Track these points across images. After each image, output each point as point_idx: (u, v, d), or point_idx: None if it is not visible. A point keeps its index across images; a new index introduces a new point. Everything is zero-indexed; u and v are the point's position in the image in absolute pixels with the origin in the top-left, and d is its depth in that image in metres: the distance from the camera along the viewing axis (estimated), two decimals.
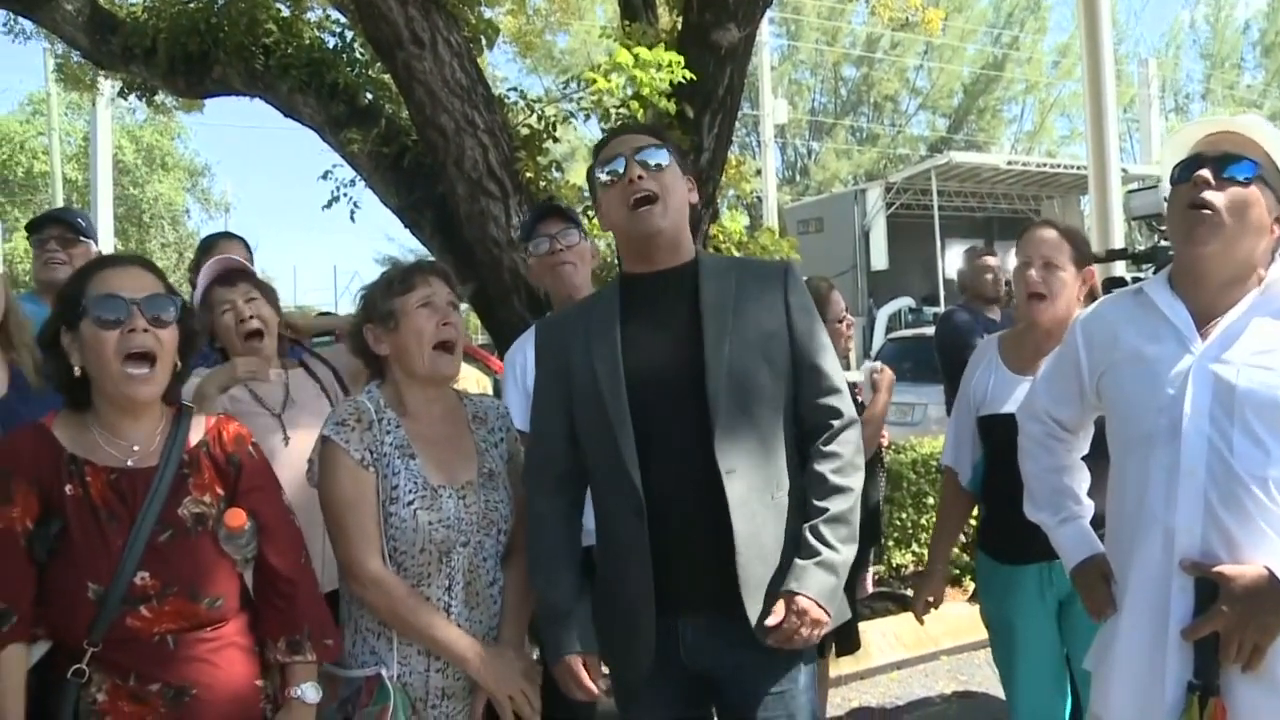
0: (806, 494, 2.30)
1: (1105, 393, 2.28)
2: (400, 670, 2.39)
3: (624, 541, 2.29)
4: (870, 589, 5.00)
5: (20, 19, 7.45)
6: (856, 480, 2.32)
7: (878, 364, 4.18)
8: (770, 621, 2.18)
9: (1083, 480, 2.50)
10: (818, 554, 2.22)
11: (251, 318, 3.03)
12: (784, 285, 2.36)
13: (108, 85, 8.48)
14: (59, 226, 3.89)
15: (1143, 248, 4.50)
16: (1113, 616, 2.25)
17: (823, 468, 2.29)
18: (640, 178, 2.31)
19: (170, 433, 2.18)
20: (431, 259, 2.60)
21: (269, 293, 3.15)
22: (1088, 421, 2.47)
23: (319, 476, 2.43)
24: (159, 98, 7.31)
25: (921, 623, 3.31)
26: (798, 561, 2.23)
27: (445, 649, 2.38)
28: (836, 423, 2.32)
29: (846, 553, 2.25)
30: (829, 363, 2.36)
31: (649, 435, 2.27)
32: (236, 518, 2.15)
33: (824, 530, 2.24)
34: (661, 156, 2.34)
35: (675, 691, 2.33)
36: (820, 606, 2.19)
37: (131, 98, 7.11)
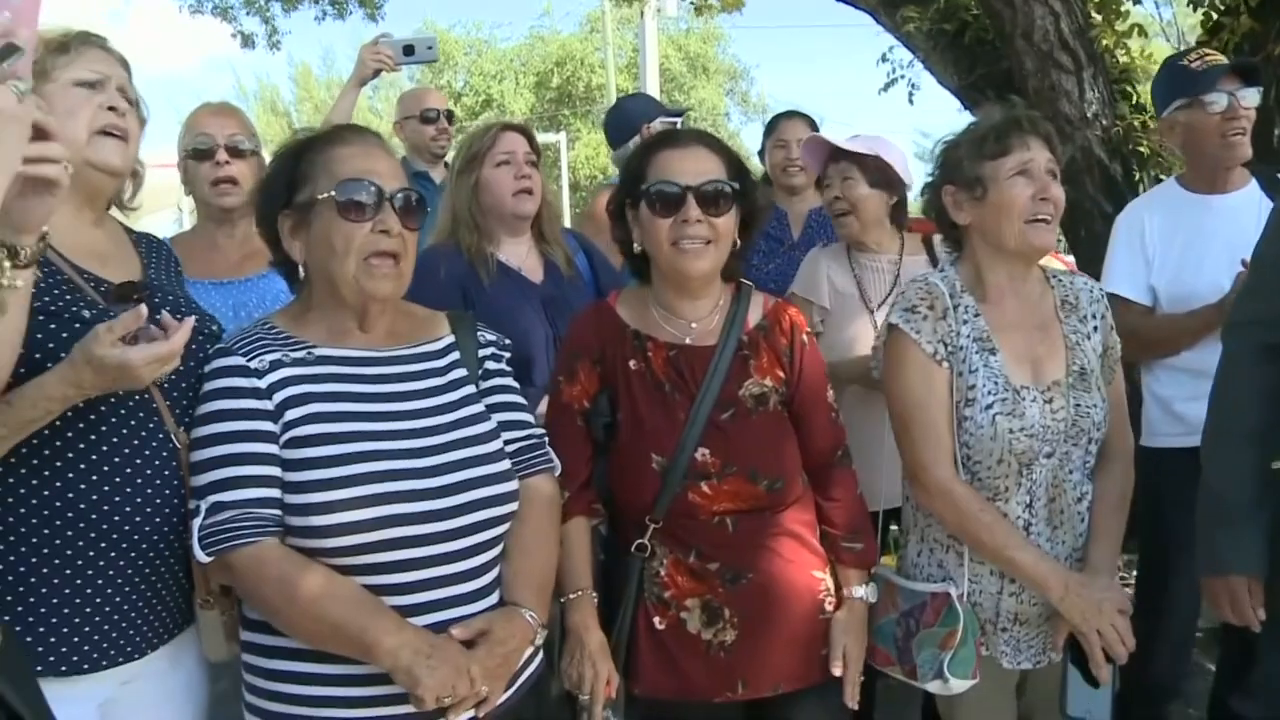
0: None
1: None
2: (970, 589, 2.17)
3: None
4: None
5: None
6: None
7: None
8: None
9: None
10: None
11: (839, 198, 2.96)
12: None
13: None
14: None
15: None
16: None
17: None
18: None
19: (729, 312, 2.15)
20: (1035, 113, 2.24)
21: (871, 175, 2.94)
22: None
23: (884, 369, 2.24)
24: None
25: None
26: None
27: (1023, 572, 2.10)
28: None
29: None
30: None
31: None
32: None
33: None
34: None
35: None
36: None
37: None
